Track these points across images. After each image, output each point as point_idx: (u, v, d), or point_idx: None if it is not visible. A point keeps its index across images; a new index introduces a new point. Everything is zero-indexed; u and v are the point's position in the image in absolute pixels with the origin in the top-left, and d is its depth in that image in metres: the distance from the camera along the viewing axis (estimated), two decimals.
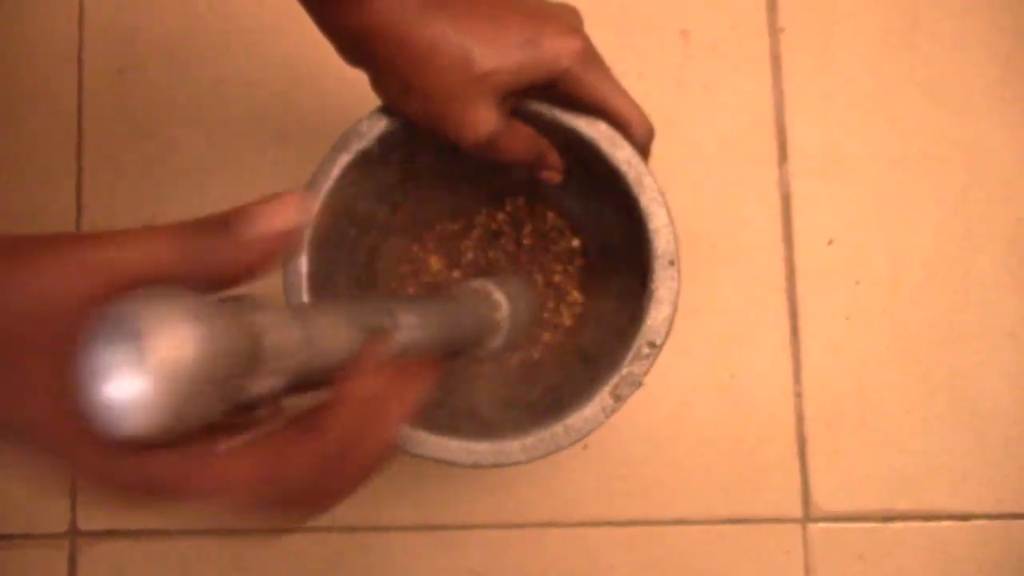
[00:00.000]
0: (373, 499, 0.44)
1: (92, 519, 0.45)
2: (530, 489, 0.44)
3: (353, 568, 0.44)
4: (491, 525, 0.44)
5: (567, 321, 0.39)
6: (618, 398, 0.29)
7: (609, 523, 0.44)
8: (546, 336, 0.39)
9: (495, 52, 0.29)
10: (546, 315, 0.39)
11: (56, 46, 0.47)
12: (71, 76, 0.47)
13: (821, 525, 0.43)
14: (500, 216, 0.40)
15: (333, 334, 0.18)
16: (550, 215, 0.40)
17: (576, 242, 0.39)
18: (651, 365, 0.30)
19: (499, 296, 0.33)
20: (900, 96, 0.45)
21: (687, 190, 0.45)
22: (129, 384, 0.13)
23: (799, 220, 0.45)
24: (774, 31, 0.46)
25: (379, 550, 0.44)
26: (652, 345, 0.30)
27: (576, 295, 0.39)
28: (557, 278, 0.39)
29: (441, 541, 0.44)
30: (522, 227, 0.40)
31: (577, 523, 0.44)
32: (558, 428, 0.29)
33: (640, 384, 0.29)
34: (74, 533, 0.45)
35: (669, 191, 0.40)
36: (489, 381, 0.38)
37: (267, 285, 0.17)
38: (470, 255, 0.40)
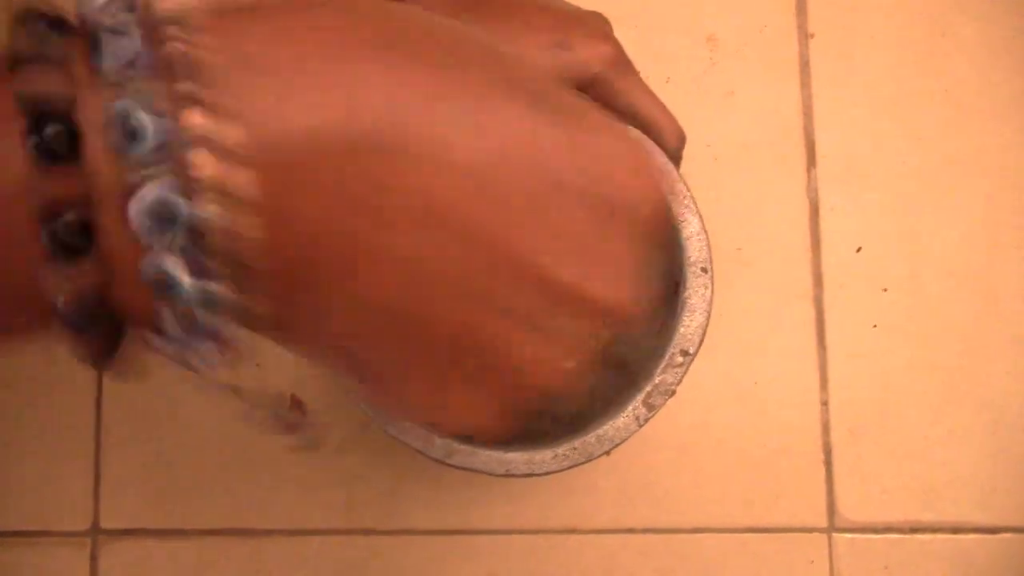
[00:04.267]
0: (391, 502, 0.44)
1: (115, 517, 0.45)
2: (550, 495, 0.44)
3: (371, 571, 0.44)
4: (510, 530, 0.44)
5: (604, 338, 0.39)
6: (651, 407, 0.29)
7: (630, 530, 0.44)
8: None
9: (524, 55, 0.29)
10: None
11: None
12: None
13: (846, 536, 0.43)
14: None
15: None
16: None
17: None
18: (684, 374, 0.29)
19: None
20: (929, 103, 0.45)
21: (713, 196, 0.44)
22: None
23: (827, 227, 0.44)
24: (803, 36, 0.45)
25: (397, 554, 0.44)
26: (685, 353, 0.30)
27: None
28: None
29: (459, 545, 0.44)
30: None
31: (597, 530, 0.44)
32: (590, 438, 0.29)
33: (673, 393, 0.29)
34: (96, 531, 0.45)
35: (694, 197, 0.40)
36: None
37: None
38: None
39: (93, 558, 0.45)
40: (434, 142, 0.15)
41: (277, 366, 0.45)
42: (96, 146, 0.13)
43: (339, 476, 0.44)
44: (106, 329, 0.15)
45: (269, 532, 0.44)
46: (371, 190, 0.15)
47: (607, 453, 0.43)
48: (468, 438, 0.26)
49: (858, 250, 0.44)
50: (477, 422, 0.19)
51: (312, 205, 0.15)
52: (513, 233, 0.16)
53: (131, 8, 0.14)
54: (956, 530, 0.43)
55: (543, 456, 0.29)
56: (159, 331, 0.15)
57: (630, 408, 0.29)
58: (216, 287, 0.14)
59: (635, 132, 0.31)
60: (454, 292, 0.16)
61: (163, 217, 0.13)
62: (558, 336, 0.18)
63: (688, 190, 0.31)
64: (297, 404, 0.45)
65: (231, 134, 0.14)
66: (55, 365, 0.45)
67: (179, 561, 0.44)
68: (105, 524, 0.45)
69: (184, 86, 0.13)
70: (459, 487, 0.44)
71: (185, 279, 0.14)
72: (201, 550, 0.44)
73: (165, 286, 0.14)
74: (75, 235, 0.13)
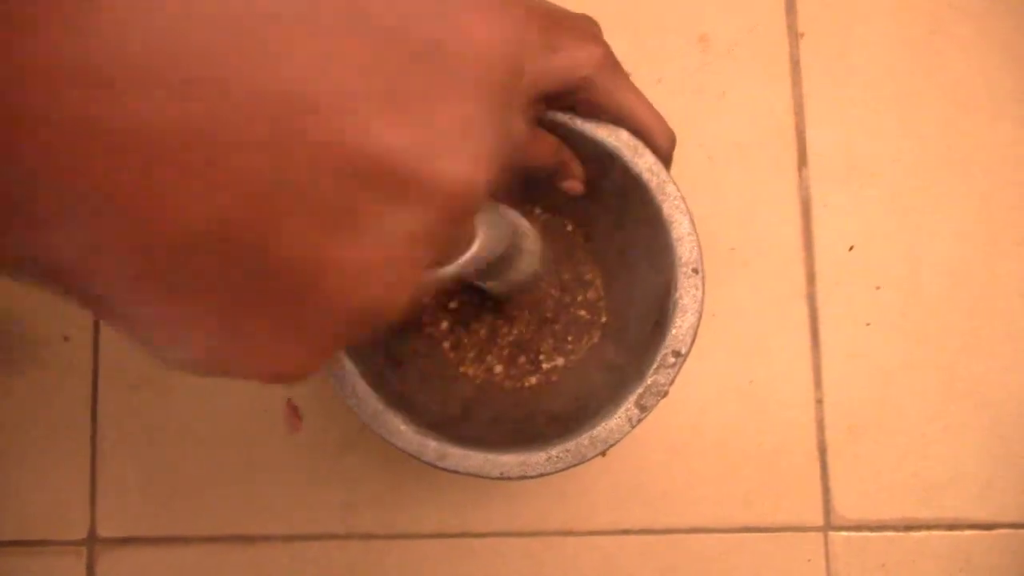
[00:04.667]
0: (389, 507, 0.44)
1: (111, 525, 0.45)
2: (547, 497, 0.44)
3: (370, 575, 0.44)
4: (508, 533, 0.44)
5: (595, 337, 0.39)
6: (643, 408, 0.29)
7: (626, 531, 0.44)
8: (578, 352, 0.39)
9: None
10: (570, 338, 0.39)
11: None
12: None
13: (843, 534, 0.43)
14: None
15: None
16: (570, 225, 0.40)
17: (593, 276, 0.39)
18: (676, 374, 0.29)
19: (526, 227, 0.31)
20: (920, 100, 0.45)
21: (706, 196, 0.44)
22: None
23: (819, 226, 0.44)
24: (794, 35, 0.45)
25: (396, 557, 0.44)
26: (677, 354, 0.29)
27: (604, 317, 0.39)
28: (591, 299, 0.39)
29: (458, 548, 0.44)
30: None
31: (594, 531, 0.44)
32: (583, 439, 0.29)
33: (665, 393, 0.29)
34: (93, 540, 0.45)
35: (688, 197, 0.40)
36: (512, 393, 0.38)
37: None
38: None
39: (90, 566, 0.44)
40: None
41: None
42: None
43: (337, 482, 0.44)
44: None
45: (267, 538, 0.44)
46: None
47: (602, 454, 0.43)
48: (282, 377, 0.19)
49: (851, 248, 0.44)
50: (286, 360, 0.14)
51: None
52: (306, 90, 0.11)
53: None
54: (953, 527, 0.43)
55: (536, 458, 0.29)
56: None
57: (622, 409, 0.29)
58: None
59: (626, 134, 0.31)
60: (221, 179, 0.11)
61: None
62: (378, 233, 0.13)
63: (679, 191, 0.31)
64: (293, 410, 0.45)
65: None
66: (50, 375, 0.45)
67: (176, 568, 0.44)
68: (102, 532, 0.45)
69: None
70: (456, 491, 0.44)
71: None
72: (198, 557, 0.44)
73: None
74: None
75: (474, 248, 0.21)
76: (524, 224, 0.30)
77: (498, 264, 0.28)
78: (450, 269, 0.20)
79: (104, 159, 0.11)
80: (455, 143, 0.13)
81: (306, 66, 0.11)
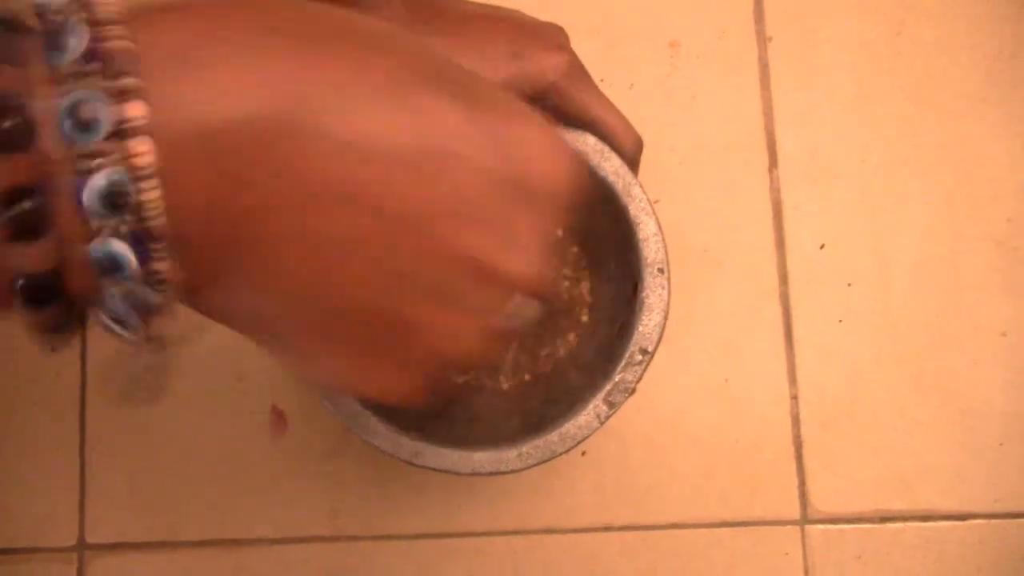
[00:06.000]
0: (374, 509, 0.45)
1: (100, 532, 0.45)
2: (529, 496, 0.45)
3: None
4: (491, 532, 0.45)
5: (572, 343, 0.39)
6: (612, 404, 0.30)
7: (607, 529, 0.45)
8: (554, 356, 0.40)
9: (483, 66, 0.30)
10: (545, 347, 0.40)
11: None
12: None
13: (819, 527, 0.44)
14: None
15: None
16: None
17: (582, 268, 0.40)
18: (643, 372, 0.30)
19: None
20: (886, 101, 0.46)
21: (679, 198, 0.45)
22: None
23: (790, 225, 0.45)
24: (762, 40, 0.46)
25: (381, 558, 0.45)
26: (644, 352, 0.30)
27: (584, 317, 0.40)
28: (568, 304, 0.40)
29: (442, 549, 0.45)
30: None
31: (576, 529, 0.45)
32: (553, 436, 0.30)
33: (633, 391, 0.30)
34: (82, 546, 0.45)
35: (661, 200, 0.41)
36: (488, 394, 0.39)
37: None
38: None
39: (80, 573, 0.45)
40: (343, 125, 0.16)
41: (259, 379, 0.45)
42: (50, 136, 0.14)
43: (322, 484, 0.45)
44: (63, 307, 0.16)
45: (254, 541, 0.45)
46: (281, 170, 0.16)
47: (582, 453, 0.44)
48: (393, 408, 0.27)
49: (822, 247, 0.45)
50: (400, 393, 0.20)
51: (230, 184, 0.16)
52: (425, 210, 0.17)
53: (80, 8, 0.15)
54: (926, 518, 0.44)
55: (508, 455, 0.30)
56: (103, 307, 0.16)
57: (591, 406, 0.30)
58: (160, 266, 0.15)
59: (592, 139, 0.32)
60: (367, 270, 0.17)
61: (113, 202, 0.14)
62: (469, 308, 0.19)
63: (645, 193, 0.32)
64: (278, 414, 0.45)
65: (167, 121, 0.15)
66: (38, 382, 0.46)
67: (165, 573, 0.45)
68: (91, 539, 0.45)
69: (127, 80, 0.14)
70: (440, 492, 0.45)
71: (131, 260, 0.15)
72: (187, 562, 0.45)
73: (112, 267, 0.15)
74: (33, 219, 0.14)
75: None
76: None
77: None
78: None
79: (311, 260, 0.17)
80: (525, 245, 0.19)
81: (430, 189, 0.17)
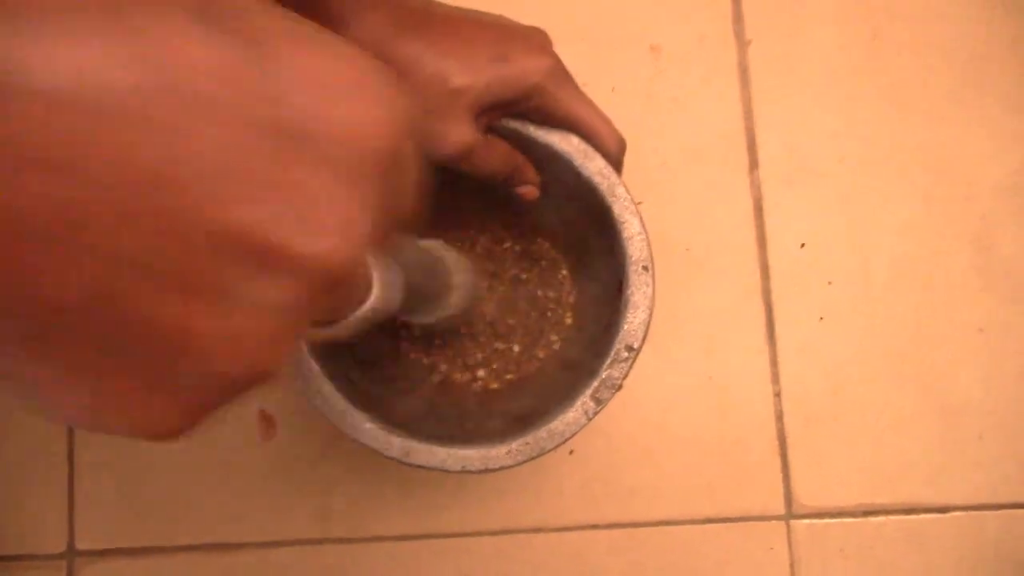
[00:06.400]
0: (363, 511, 0.45)
1: (90, 538, 0.45)
2: (518, 495, 0.45)
3: None
4: (480, 532, 0.45)
5: (556, 345, 0.40)
6: (599, 401, 0.30)
7: (595, 526, 0.45)
8: (538, 356, 0.40)
9: (468, 69, 0.30)
10: (533, 342, 0.41)
11: None
12: None
13: (804, 521, 0.45)
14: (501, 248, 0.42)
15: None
16: (544, 244, 0.41)
17: (565, 271, 0.41)
18: (629, 368, 0.31)
19: (453, 261, 0.32)
20: (864, 102, 0.47)
21: (663, 199, 0.46)
22: None
23: (771, 225, 0.46)
24: (741, 43, 0.47)
25: (370, 560, 0.45)
26: (630, 349, 0.31)
27: (568, 320, 0.40)
28: (551, 307, 0.41)
29: (431, 549, 0.45)
30: (520, 261, 0.41)
31: (564, 527, 0.45)
32: (542, 432, 0.30)
33: (619, 387, 0.31)
34: (72, 553, 0.45)
35: (645, 201, 0.42)
36: (477, 393, 0.39)
37: None
38: None
39: None
40: (16, 63, 0.11)
41: None
42: None
43: (311, 488, 0.45)
44: None
45: (243, 545, 0.45)
46: None
47: (570, 452, 0.45)
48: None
49: (802, 246, 0.46)
50: (165, 427, 0.15)
51: None
52: (160, 174, 0.12)
53: None
54: (908, 511, 0.45)
55: (497, 452, 0.30)
56: None
57: (578, 403, 0.30)
58: None
59: (576, 140, 0.33)
60: (76, 256, 0.12)
61: None
62: (244, 303, 0.14)
63: (628, 193, 0.32)
64: (266, 418, 0.46)
65: None
66: None
67: None
68: (80, 545, 0.45)
69: None
70: (428, 493, 0.45)
71: None
72: (176, 566, 0.45)
73: None
74: None
75: (371, 301, 0.22)
76: (451, 258, 0.31)
77: (421, 304, 0.29)
78: (349, 322, 0.21)
79: None
80: (318, 218, 0.14)
81: (166, 144, 0.12)
